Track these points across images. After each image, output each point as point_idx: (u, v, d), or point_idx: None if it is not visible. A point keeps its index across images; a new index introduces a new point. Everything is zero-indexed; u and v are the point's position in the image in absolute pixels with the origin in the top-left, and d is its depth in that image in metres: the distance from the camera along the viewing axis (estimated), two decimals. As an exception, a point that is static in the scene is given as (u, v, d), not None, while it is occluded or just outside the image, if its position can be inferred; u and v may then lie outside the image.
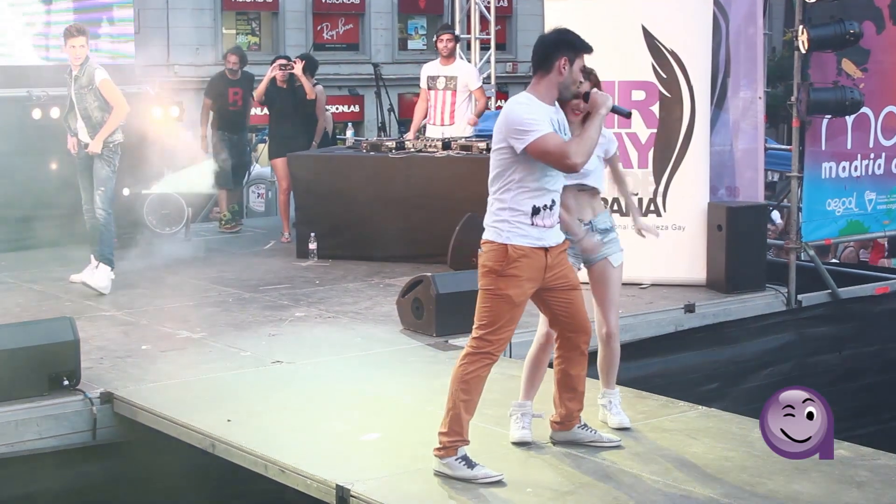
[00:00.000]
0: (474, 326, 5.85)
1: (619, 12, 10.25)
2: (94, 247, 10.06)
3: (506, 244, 5.73)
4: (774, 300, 10.13)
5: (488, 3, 15.39)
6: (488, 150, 11.20)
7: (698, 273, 10.12)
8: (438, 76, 12.27)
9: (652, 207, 10.20)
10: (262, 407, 6.99)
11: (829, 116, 10.25)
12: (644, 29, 10.13)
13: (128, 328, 8.90)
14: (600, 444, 6.24)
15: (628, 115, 6.63)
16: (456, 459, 5.78)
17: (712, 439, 6.43)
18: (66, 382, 7.10)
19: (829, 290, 10.45)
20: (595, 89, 5.90)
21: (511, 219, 5.74)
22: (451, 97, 12.26)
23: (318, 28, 28.28)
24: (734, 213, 10.01)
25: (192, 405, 7.03)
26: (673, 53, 10.10)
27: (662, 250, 10.07)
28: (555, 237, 5.85)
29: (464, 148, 11.38)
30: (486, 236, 5.87)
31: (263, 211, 18.11)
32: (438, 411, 6.81)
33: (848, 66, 10.34)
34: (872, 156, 10.78)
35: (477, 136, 12.15)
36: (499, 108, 16.90)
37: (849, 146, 10.51)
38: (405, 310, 8.79)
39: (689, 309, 9.56)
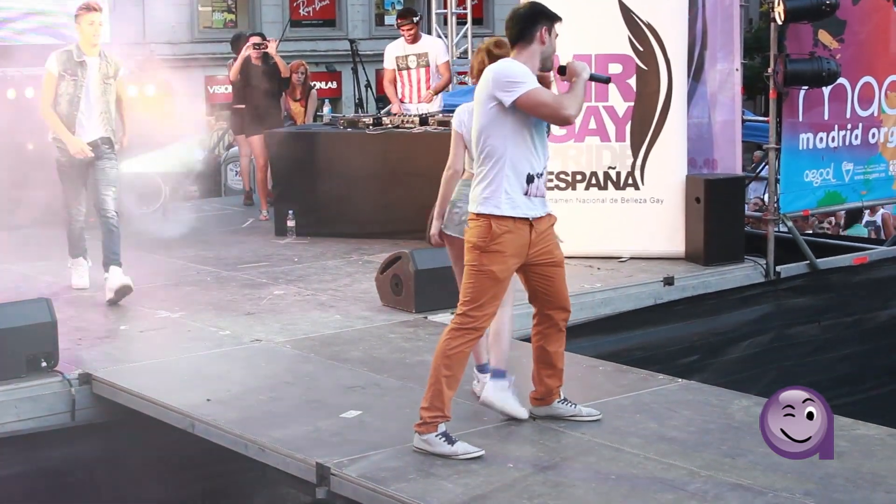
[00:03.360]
0: (459, 302, 5.87)
1: (595, -15, 10.23)
2: (109, 251, 8.98)
3: (489, 218, 5.71)
4: (753, 272, 10.16)
5: (465, -23, 15.37)
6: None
7: (677, 246, 10.13)
8: (408, 55, 12.22)
9: (630, 181, 10.19)
10: (242, 386, 6.98)
11: (806, 88, 10.26)
12: (620, 2, 10.09)
13: (106, 309, 8.88)
14: (580, 418, 6.24)
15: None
16: (436, 435, 5.78)
17: (692, 412, 6.46)
18: (44, 364, 7.07)
19: (808, 262, 10.48)
20: (571, 59, 5.88)
21: (506, 187, 5.72)
22: (426, 74, 12.24)
23: (294, 4, 28.20)
24: (712, 185, 10.01)
25: (171, 385, 7.02)
26: (649, 26, 10.07)
27: (641, 223, 10.11)
28: (541, 208, 5.85)
29: (441, 123, 11.34)
30: (472, 209, 5.84)
31: (242, 188, 18.04)
32: (419, 388, 6.83)
33: (824, 36, 10.33)
34: (850, 126, 10.78)
35: (451, 111, 12.11)
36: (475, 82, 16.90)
37: (826, 117, 10.52)
38: (384, 286, 8.78)
39: (668, 282, 9.57)
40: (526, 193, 5.74)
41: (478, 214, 5.78)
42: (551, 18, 5.81)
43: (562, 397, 6.28)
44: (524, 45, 5.78)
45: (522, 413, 6.28)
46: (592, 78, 5.94)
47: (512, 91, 5.61)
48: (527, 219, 5.77)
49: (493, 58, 6.09)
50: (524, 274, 6.01)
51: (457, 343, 5.80)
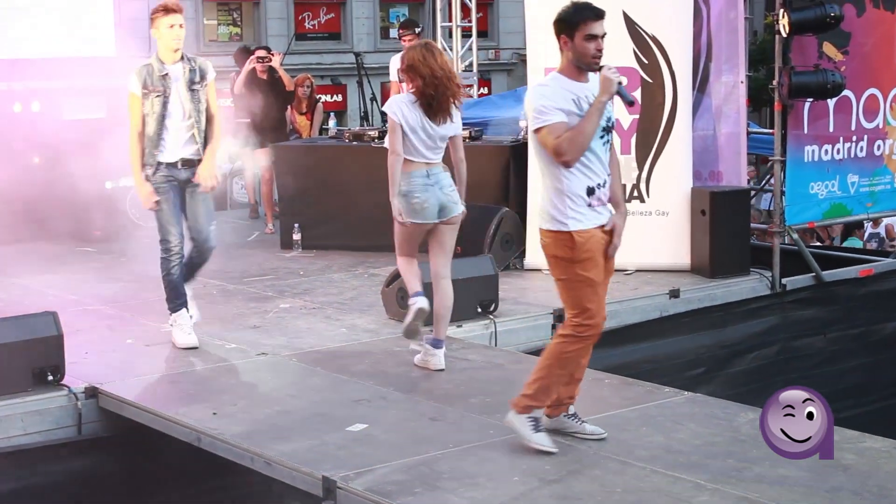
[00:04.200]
0: (568, 315, 5.89)
1: (600, -1, 10.25)
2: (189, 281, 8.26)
3: (570, 232, 5.75)
4: (759, 284, 10.16)
5: (469, -10, 15.38)
6: (471, 137, 11.39)
7: (683, 258, 10.14)
8: None
9: (635, 193, 10.21)
10: (248, 399, 6.98)
11: (811, 100, 10.28)
12: (625, 14, 10.14)
13: (112, 322, 8.87)
14: (582, 435, 6.19)
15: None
16: (528, 417, 5.91)
17: (698, 425, 6.45)
18: (50, 377, 7.06)
19: (814, 274, 10.48)
20: (605, 69, 5.74)
21: (567, 203, 5.76)
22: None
23: (300, 18, 28.25)
24: (718, 197, 10.02)
25: (177, 398, 7.02)
26: (654, 39, 10.11)
27: (646, 236, 10.11)
28: (606, 217, 5.88)
29: (445, 137, 11.35)
30: (543, 226, 5.86)
31: (248, 202, 18.07)
32: (425, 401, 6.88)
33: (829, 49, 10.36)
34: (855, 138, 10.81)
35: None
36: (481, 95, 16.94)
37: (831, 129, 10.54)
38: (390, 299, 8.78)
39: (674, 294, 9.58)
40: (589, 205, 5.77)
41: (551, 231, 5.81)
42: (571, 23, 5.77)
43: (570, 412, 6.24)
44: (560, 52, 5.84)
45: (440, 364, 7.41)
46: (619, 93, 5.83)
47: (532, 124, 5.77)
48: (598, 226, 5.82)
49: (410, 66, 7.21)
50: None
51: (574, 348, 5.84)
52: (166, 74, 7.72)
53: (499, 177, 10.97)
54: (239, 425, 6.48)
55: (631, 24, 10.13)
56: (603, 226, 5.84)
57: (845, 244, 14.59)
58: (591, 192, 5.77)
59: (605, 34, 5.77)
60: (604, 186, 5.82)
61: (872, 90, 10.76)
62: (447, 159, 7.54)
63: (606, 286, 5.97)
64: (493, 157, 11.10)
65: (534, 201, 10.39)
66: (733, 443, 6.15)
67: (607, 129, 5.84)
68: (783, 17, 9.86)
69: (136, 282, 10.27)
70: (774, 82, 10.14)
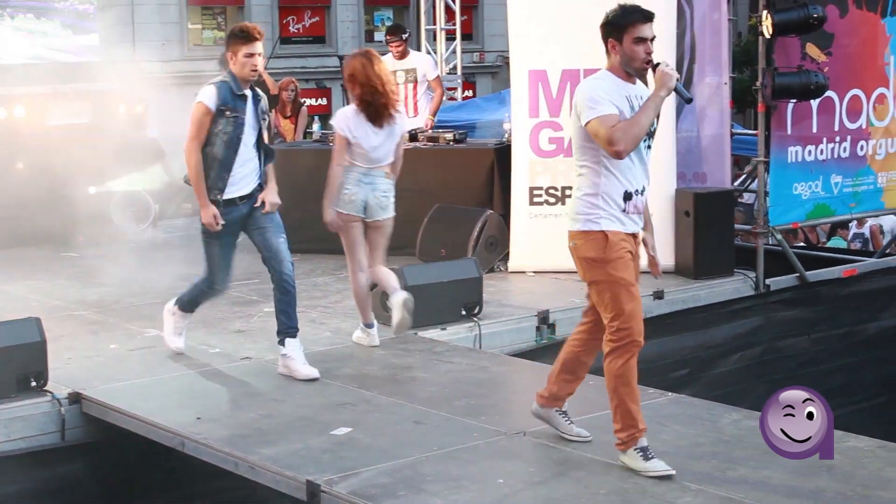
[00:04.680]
0: (606, 322, 5.72)
1: (583, 1, 10.24)
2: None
3: (603, 231, 5.63)
4: (743, 285, 10.18)
5: (454, -7, 15.42)
6: (455, 140, 11.40)
7: (666, 259, 10.11)
8: (396, 70, 12.28)
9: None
10: (232, 404, 6.99)
11: (795, 101, 10.30)
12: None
13: (95, 327, 8.85)
14: (569, 437, 6.16)
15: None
16: (635, 450, 5.71)
17: (682, 426, 6.47)
18: (33, 383, 7.04)
19: (798, 274, 10.51)
20: (662, 65, 5.62)
21: (603, 205, 5.62)
22: (414, 89, 12.32)
23: (285, 21, 28.24)
24: (701, 198, 10.03)
25: (161, 403, 7.01)
26: (638, 40, 10.10)
27: (630, 237, 10.12)
28: (638, 225, 5.77)
29: (430, 139, 11.38)
30: (574, 227, 5.73)
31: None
32: (409, 404, 6.89)
33: (812, 50, 10.39)
34: (838, 139, 10.85)
35: (441, 126, 12.19)
36: (465, 98, 16.96)
37: (814, 130, 10.57)
38: (374, 303, 8.76)
39: (658, 295, 9.60)
40: (624, 211, 5.64)
41: (582, 231, 5.68)
42: (619, 26, 5.64)
43: (563, 409, 6.19)
44: (607, 56, 5.72)
45: (374, 341, 8.01)
46: (676, 91, 5.67)
47: (584, 115, 5.56)
48: (630, 233, 5.72)
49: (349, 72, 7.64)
50: None
51: (622, 360, 5.68)
52: (243, 95, 7.28)
53: (483, 179, 10.98)
54: (223, 430, 6.48)
55: (614, 26, 10.12)
56: (636, 235, 5.74)
57: (829, 244, 14.63)
58: (627, 197, 5.63)
59: (654, 37, 5.65)
60: (641, 194, 5.70)
61: (855, 91, 10.80)
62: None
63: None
64: (477, 159, 11.12)
65: (520, 204, 10.42)
66: (717, 443, 6.15)
67: (650, 134, 5.68)
68: (766, 18, 9.89)
69: (119, 287, 10.27)
70: (758, 83, 10.16)
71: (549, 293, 9.66)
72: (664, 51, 10.08)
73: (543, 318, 8.95)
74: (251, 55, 7.21)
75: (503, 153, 10.78)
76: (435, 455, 6.02)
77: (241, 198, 7.35)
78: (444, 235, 10.23)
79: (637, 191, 5.66)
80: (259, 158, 7.39)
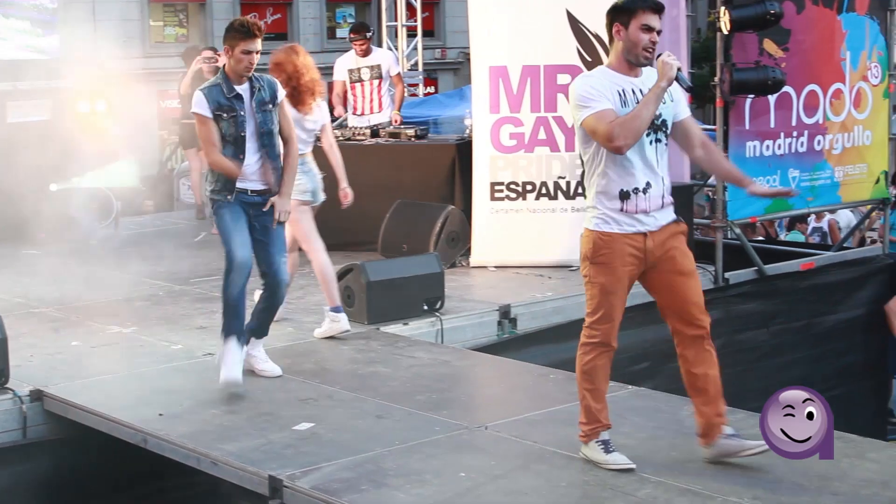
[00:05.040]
0: (585, 315, 5.73)
1: (543, -3, 10.33)
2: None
3: (592, 231, 5.57)
4: (702, 278, 10.07)
5: (414, -10, 15.48)
6: (417, 136, 11.43)
7: (627, 254, 10.19)
8: (361, 67, 12.32)
9: (580, 190, 10.24)
10: (194, 400, 6.97)
11: (753, 96, 10.37)
12: (569, 13, 10.19)
13: (57, 324, 8.82)
14: (749, 452, 5.68)
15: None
16: (596, 442, 5.70)
17: (643, 418, 6.52)
18: (-6, 381, 7.01)
19: (756, 268, 10.58)
20: (664, 55, 5.48)
21: (599, 205, 5.55)
22: (378, 85, 12.36)
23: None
24: (661, 193, 10.07)
25: (123, 400, 6.99)
26: (597, 37, 10.14)
27: (591, 232, 10.17)
28: (655, 220, 5.58)
29: (392, 135, 11.40)
30: (584, 224, 5.69)
31: (195, 202, 18.05)
32: (371, 399, 6.92)
33: (769, 45, 10.46)
34: (795, 134, 10.90)
35: (403, 122, 12.21)
36: (427, 94, 17.00)
37: (772, 125, 10.63)
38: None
39: (619, 289, 9.60)
40: (622, 210, 5.52)
41: (586, 228, 5.64)
42: (628, 11, 5.50)
43: (727, 433, 5.72)
44: (610, 43, 5.61)
45: (344, 326, 8.19)
46: (677, 79, 5.48)
47: (578, 114, 5.49)
48: (635, 232, 5.56)
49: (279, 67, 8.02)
50: (649, 287, 5.76)
51: (588, 358, 5.68)
52: (237, 95, 7.01)
53: (444, 175, 11.00)
54: (185, 426, 6.48)
55: (574, 23, 10.18)
56: (644, 234, 5.55)
57: (788, 238, 14.75)
58: (624, 196, 5.50)
59: (660, 31, 5.52)
60: (646, 191, 5.52)
61: (812, 86, 10.86)
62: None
63: (624, 304, 5.67)
64: (438, 155, 11.14)
65: (482, 199, 10.46)
66: (677, 436, 6.18)
67: (656, 128, 5.52)
68: (724, 14, 9.95)
69: (81, 284, 10.22)
70: (716, 79, 10.23)
71: (511, 288, 9.68)
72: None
73: (505, 313, 8.96)
74: (248, 52, 6.96)
75: (464, 149, 10.80)
76: (397, 449, 6.04)
77: (253, 191, 7.11)
78: (406, 231, 10.26)
79: (637, 188, 5.50)
80: (272, 148, 7.11)
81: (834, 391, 10.60)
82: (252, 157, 7.04)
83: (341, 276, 8.73)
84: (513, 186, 10.35)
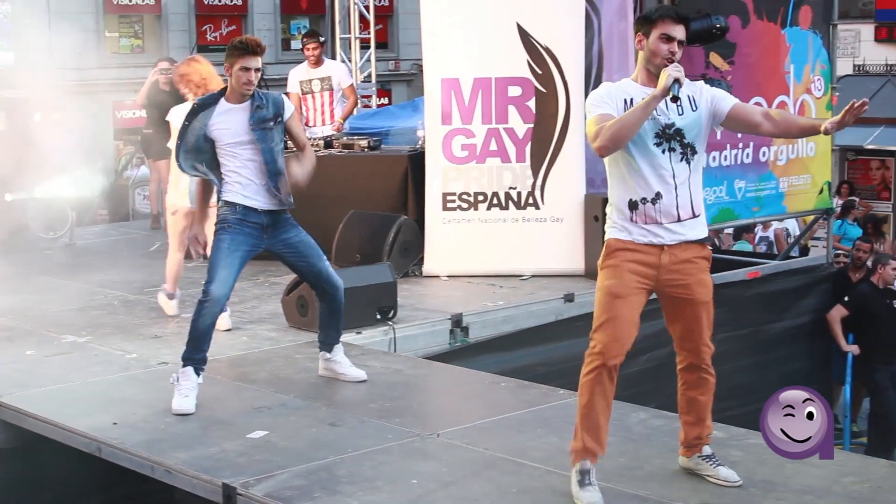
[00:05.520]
0: None
1: (494, 10, 10.39)
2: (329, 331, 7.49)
3: (608, 238, 5.48)
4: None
5: (367, 3, 15.55)
6: (370, 147, 11.48)
7: (577, 263, 10.30)
8: (312, 79, 12.37)
9: (530, 200, 10.37)
10: (149, 409, 6.97)
11: (700, 108, 10.49)
12: (519, 27, 10.28)
13: (11, 334, 8.81)
14: (715, 480, 5.67)
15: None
16: (576, 470, 5.49)
17: (591, 425, 6.58)
18: (-51, 391, 7.03)
19: (704, 277, 10.70)
20: (670, 67, 5.32)
21: (613, 214, 5.48)
22: (329, 97, 12.41)
23: (202, 29, 28.11)
24: (611, 204, 10.19)
25: (78, 409, 7.00)
26: (547, 50, 10.27)
27: (542, 242, 10.30)
28: (671, 234, 5.42)
29: (346, 146, 11.46)
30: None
31: (150, 212, 18.03)
32: (324, 407, 6.95)
33: (715, 59, 10.61)
34: (741, 145, 11.05)
35: (357, 133, 12.26)
36: (380, 105, 17.07)
37: (718, 136, 10.68)
38: (290, 308, 8.85)
39: (569, 298, 9.71)
40: (631, 220, 5.40)
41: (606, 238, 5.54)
42: (650, 21, 5.42)
43: (705, 453, 5.74)
44: (636, 55, 5.56)
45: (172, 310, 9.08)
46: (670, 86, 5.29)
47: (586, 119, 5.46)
48: (650, 244, 5.43)
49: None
50: (661, 304, 5.64)
51: (585, 370, 5.46)
52: (236, 110, 6.96)
53: (397, 185, 11.04)
54: (139, 434, 6.49)
55: (525, 36, 10.28)
56: (659, 247, 5.41)
57: (735, 248, 14.92)
58: (633, 206, 5.38)
59: (682, 42, 5.38)
60: (656, 202, 5.37)
61: (757, 98, 10.97)
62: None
63: (633, 317, 5.46)
64: (391, 166, 11.18)
65: (434, 209, 10.56)
66: (625, 442, 6.24)
67: (667, 137, 5.38)
68: (672, 28, 10.08)
69: (36, 293, 10.23)
70: (664, 91, 10.35)
71: (463, 297, 9.75)
72: (573, 60, 10.33)
73: (457, 322, 9.03)
74: (247, 69, 6.89)
75: (417, 160, 10.85)
76: (350, 457, 6.08)
77: (263, 210, 6.99)
78: (359, 241, 10.29)
79: (645, 199, 5.37)
80: (273, 167, 6.96)
81: (778, 398, 10.77)
82: (255, 174, 6.93)
83: (295, 285, 8.79)
84: (465, 197, 10.43)
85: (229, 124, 6.93)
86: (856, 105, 5.12)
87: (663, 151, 5.37)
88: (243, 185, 6.94)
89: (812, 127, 5.63)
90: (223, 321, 8.48)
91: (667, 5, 5.70)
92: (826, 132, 5.33)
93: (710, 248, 5.58)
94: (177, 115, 8.40)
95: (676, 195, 5.38)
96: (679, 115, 5.39)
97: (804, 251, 14.32)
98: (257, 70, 6.94)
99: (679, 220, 5.40)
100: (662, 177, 5.37)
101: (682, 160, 5.39)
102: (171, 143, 8.06)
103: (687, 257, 5.44)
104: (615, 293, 5.39)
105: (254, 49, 6.94)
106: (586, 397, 5.43)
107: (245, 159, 6.94)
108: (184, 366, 6.96)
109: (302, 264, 7.20)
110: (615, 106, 5.33)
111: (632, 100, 5.35)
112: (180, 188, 8.91)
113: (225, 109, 6.96)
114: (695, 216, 5.45)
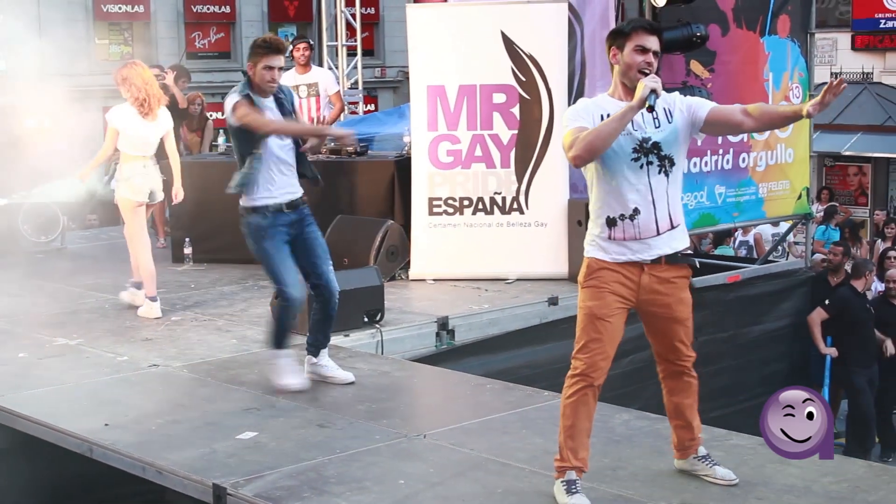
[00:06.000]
0: None
1: (479, 19, 10.50)
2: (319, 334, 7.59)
3: (587, 256, 5.42)
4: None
5: (354, 11, 15.66)
6: (357, 153, 11.55)
7: (561, 267, 10.37)
8: (299, 85, 12.40)
9: (515, 205, 10.46)
10: (139, 410, 7.00)
11: (680, 115, 10.60)
12: (503, 34, 10.37)
13: (3, 337, 8.83)
14: (712, 479, 5.71)
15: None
16: (561, 482, 5.46)
17: (574, 426, 6.66)
18: (-59, 393, 7.01)
19: (685, 281, 10.80)
20: (647, 79, 5.23)
21: (592, 231, 5.43)
22: (316, 103, 12.46)
23: (191, 36, 28.16)
24: (594, 209, 10.29)
25: (69, 411, 7.02)
26: (531, 57, 10.36)
27: (526, 246, 10.38)
28: (649, 249, 5.37)
29: (333, 152, 11.51)
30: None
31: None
32: (312, 409, 6.98)
33: (696, 66, 10.67)
34: (721, 151, 11.12)
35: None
36: (367, 112, 17.16)
37: (699, 143, 10.79)
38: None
39: (553, 302, 9.78)
40: (610, 237, 5.35)
41: (585, 256, 5.49)
42: (623, 34, 5.37)
43: (700, 454, 5.77)
44: (611, 71, 5.48)
45: (156, 313, 9.21)
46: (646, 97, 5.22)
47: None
48: (629, 262, 5.38)
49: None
50: (643, 322, 5.64)
51: (569, 392, 5.42)
52: (265, 106, 7.21)
53: (384, 191, 11.11)
54: (131, 436, 6.52)
55: (509, 44, 10.38)
56: (639, 265, 5.37)
57: (716, 252, 15.00)
58: (611, 222, 5.34)
59: (658, 53, 5.35)
60: (634, 218, 5.31)
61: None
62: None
63: (615, 337, 5.44)
64: (378, 171, 11.24)
65: (420, 214, 10.66)
66: (608, 443, 6.28)
67: (644, 151, 5.33)
68: (653, 36, 10.18)
69: (27, 296, 10.25)
70: (644, 99, 10.44)
71: (449, 300, 9.81)
72: (556, 68, 10.44)
73: (443, 325, 9.10)
74: (270, 68, 7.11)
75: (403, 165, 10.93)
76: (338, 458, 6.12)
77: (288, 206, 7.24)
78: (347, 245, 10.33)
79: (624, 215, 5.32)
80: (292, 154, 7.27)
81: (759, 399, 10.75)
82: (281, 170, 7.22)
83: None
84: (450, 202, 10.51)
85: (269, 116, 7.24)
86: (833, 84, 5.10)
87: (641, 166, 5.31)
88: (272, 183, 7.19)
89: (794, 112, 5.49)
90: (154, 310, 9.36)
91: (639, 17, 5.65)
92: (808, 115, 5.23)
93: (690, 268, 5.54)
94: (115, 115, 9.27)
95: (655, 209, 5.34)
96: (656, 128, 5.35)
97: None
98: (280, 68, 7.17)
99: (658, 233, 5.37)
100: (640, 192, 5.32)
101: (660, 172, 5.34)
102: (107, 141, 9.19)
103: (667, 277, 5.42)
104: (597, 315, 5.35)
105: (277, 48, 7.16)
106: (571, 420, 5.42)
107: (277, 146, 7.19)
108: (277, 349, 7.40)
109: (309, 261, 7.35)
110: (591, 121, 5.27)
111: (608, 115, 5.27)
112: (134, 184, 9.34)
113: (259, 103, 7.19)
114: (673, 227, 5.42)
